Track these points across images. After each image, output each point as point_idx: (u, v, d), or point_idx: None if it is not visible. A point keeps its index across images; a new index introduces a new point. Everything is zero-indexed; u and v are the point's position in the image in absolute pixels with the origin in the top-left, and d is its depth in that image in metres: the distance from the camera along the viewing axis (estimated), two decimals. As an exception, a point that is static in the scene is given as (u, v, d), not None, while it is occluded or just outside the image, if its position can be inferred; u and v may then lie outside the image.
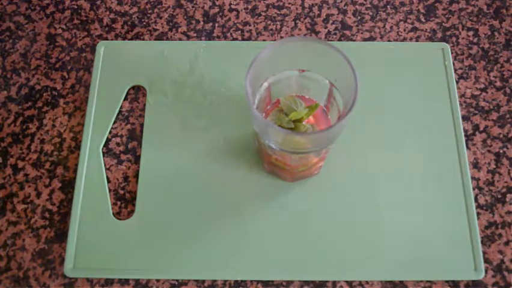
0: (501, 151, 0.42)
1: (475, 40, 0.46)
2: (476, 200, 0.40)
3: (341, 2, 0.48)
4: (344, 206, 0.39)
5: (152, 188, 0.40)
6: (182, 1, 0.49)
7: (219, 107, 0.43)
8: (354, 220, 0.39)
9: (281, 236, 0.38)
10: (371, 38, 0.46)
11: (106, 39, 0.47)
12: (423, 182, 0.40)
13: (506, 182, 0.41)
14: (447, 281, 0.38)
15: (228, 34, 0.47)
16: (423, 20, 0.47)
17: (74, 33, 0.47)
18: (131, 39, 0.47)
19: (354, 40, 0.46)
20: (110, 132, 0.43)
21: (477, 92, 0.44)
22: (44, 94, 0.45)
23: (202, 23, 0.47)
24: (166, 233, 0.39)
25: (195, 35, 0.47)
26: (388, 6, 0.48)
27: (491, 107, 0.44)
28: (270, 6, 0.48)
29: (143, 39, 0.47)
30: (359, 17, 0.48)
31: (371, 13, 0.48)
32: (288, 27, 0.47)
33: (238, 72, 0.43)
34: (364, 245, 0.38)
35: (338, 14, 0.48)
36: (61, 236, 0.39)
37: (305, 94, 0.36)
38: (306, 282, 0.38)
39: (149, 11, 0.48)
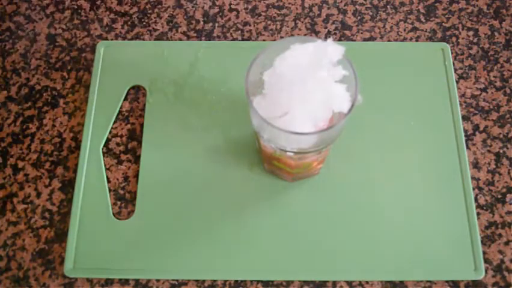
0: (501, 151, 0.42)
1: (475, 40, 0.46)
2: (476, 200, 0.40)
3: (341, 2, 0.48)
4: (344, 206, 0.39)
5: (152, 188, 0.40)
6: (182, 1, 0.49)
7: (219, 107, 0.43)
8: (354, 220, 0.39)
9: (281, 236, 0.38)
10: (371, 38, 0.46)
11: (106, 39, 0.47)
12: (423, 182, 0.40)
13: (506, 182, 0.41)
14: (447, 281, 0.38)
15: (228, 34, 0.47)
16: (423, 20, 0.47)
17: (74, 33, 0.47)
18: (131, 39, 0.47)
19: (354, 40, 0.46)
20: (110, 132, 0.43)
21: (477, 92, 0.44)
22: (44, 94, 0.45)
23: (202, 23, 0.47)
24: (166, 233, 0.39)
25: (195, 35, 0.47)
26: (388, 6, 0.48)
27: (491, 107, 0.44)
28: (270, 6, 0.48)
29: (143, 39, 0.47)
30: (359, 17, 0.48)
31: (371, 13, 0.48)
32: (288, 27, 0.47)
33: (238, 72, 0.43)
34: (364, 245, 0.38)
35: (338, 14, 0.48)
36: (61, 236, 0.39)
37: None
38: (306, 282, 0.38)
39: (149, 11, 0.48)
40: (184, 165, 0.41)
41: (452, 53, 0.46)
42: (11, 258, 0.39)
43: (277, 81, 0.29)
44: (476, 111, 0.43)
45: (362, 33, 0.47)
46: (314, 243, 0.38)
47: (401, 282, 0.38)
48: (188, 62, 0.45)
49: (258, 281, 0.38)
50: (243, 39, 0.47)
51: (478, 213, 0.40)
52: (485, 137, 0.42)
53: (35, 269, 0.39)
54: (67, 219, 0.40)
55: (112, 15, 0.48)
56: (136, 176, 0.41)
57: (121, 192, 0.41)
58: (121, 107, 0.44)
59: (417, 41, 0.46)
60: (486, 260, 0.38)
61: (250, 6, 0.48)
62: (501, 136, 0.42)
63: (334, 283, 0.38)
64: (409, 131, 0.42)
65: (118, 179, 0.41)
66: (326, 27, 0.47)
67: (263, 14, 0.48)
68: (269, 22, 0.47)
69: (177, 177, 0.40)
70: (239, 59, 0.44)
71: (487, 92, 0.44)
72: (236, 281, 0.38)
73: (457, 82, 0.45)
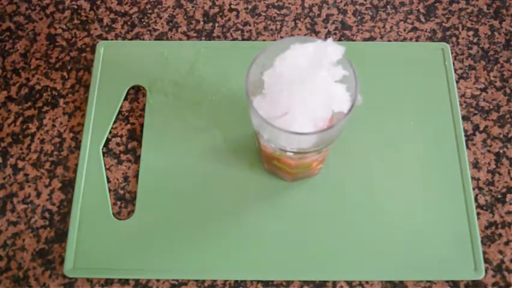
0: (501, 151, 0.42)
1: (475, 40, 0.46)
2: (476, 200, 0.40)
3: (341, 2, 0.48)
4: (344, 206, 0.39)
5: (152, 188, 0.40)
6: (182, 1, 0.49)
7: (219, 107, 0.43)
8: (354, 220, 0.39)
9: (281, 236, 0.38)
10: (371, 38, 0.46)
11: (106, 39, 0.47)
12: (423, 182, 0.40)
13: (506, 182, 0.41)
14: (447, 281, 0.38)
15: (228, 34, 0.47)
16: (423, 20, 0.47)
17: (74, 33, 0.47)
18: (131, 39, 0.47)
19: (354, 40, 0.46)
20: (110, 132, 0.43)
21: (477, 92, 0.44)
22: (44, 94, 0.45)
23: (202, 23, 0.47)
24: (166, 233, 0.39)
25: (195, 35, 0.47)
26: (388, 6, 0.48)
27: (491, 107, 0.44)
28: (270, 6, 0.48)
29: (143, 39, 0.47)
30: (359, 17, 0.48)
31: (371, 13, 0.48)
32: (288, 27, 0.47)
33: (238, 72, 0.43)
34: (364, 245, 0.38)
35: (338, 14, 0.48)
36: (61, 236, 0.39)
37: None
38: (306, 282, 0.38)
39: (149, 11, 0.48)
40: (184, 165, 0.41)
41: (452, 53, 0.46)
42: (11, 258, 0.39)
43: (277, 81, 0.29)
44: (476, 111, 0.43)
45: (362, 33, 0.47)
46: (314, 243, 0.38)
47: (401, 282, 0.38)
48: (189, 62, 0.45)
49: (258, 281, 0.38)
50: (243, 39, 0.47)
51: (478, 213, 0.40)
52: (485, 137, 0.42)
53: (35, 269, 0.39)
54: (67, 219, 0.40)
55: (112, 15, 0.48)
56: (136, 176, 0.41)
57: (121, 192, 0.41)
58: (121, 107, 0.44)
59: (417, 41, 0.46)
60: (486, 260, 0.38)
61: (250, 6, 0.48)
62: (501, 136, 0.42)
63: (334, 283, 0.38)
64: (409, 131, 0.42)
65: (118, 179, 0.41)
66: (326, 27, 0.47)
67: (263, 14, 0.48)
68: (269, 22, 0.47)
69: (177, 177, 0.40)
70: (239, 59, 0.44)
71: (487, 92, 0.44)
72: (236, 281, 0.38)
73: (457, 82, 0.45)
